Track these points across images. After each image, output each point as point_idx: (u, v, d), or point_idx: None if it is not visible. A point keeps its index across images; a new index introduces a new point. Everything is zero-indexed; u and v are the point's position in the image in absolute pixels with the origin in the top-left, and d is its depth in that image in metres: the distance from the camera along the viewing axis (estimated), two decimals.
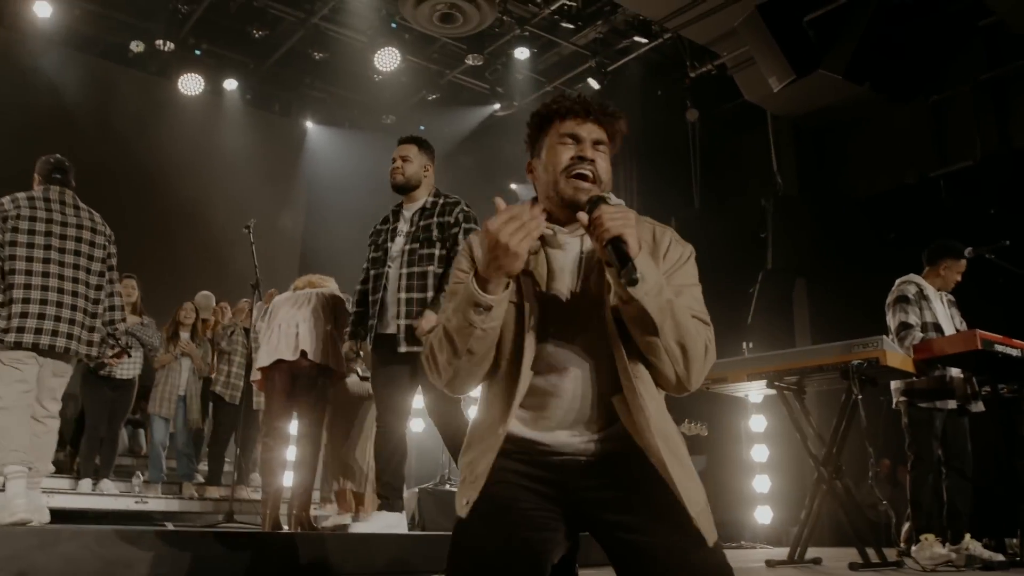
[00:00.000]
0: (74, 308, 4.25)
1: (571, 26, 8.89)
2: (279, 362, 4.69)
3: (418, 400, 4.13)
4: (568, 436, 1.78)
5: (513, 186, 11.65)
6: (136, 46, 9.46)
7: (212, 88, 10.09)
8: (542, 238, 1.80)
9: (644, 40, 8.97)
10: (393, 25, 9.13)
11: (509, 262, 1.63)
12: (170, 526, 4.03)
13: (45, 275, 4.19)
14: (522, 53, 9.28)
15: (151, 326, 6.73)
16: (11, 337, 4.05)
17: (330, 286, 5.16)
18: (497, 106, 10.28)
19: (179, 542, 3.03)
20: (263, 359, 4.79)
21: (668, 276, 1.79)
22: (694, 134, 9.74)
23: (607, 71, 9.51)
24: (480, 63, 9.44)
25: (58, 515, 5.61)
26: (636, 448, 1.73)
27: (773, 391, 4.56)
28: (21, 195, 4.28)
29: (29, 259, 4.17)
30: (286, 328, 4.79)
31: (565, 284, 1.80)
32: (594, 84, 9.54)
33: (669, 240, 1.87)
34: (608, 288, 1.73)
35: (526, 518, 1.72)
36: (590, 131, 1.84)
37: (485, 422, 1.84)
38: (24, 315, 4.09)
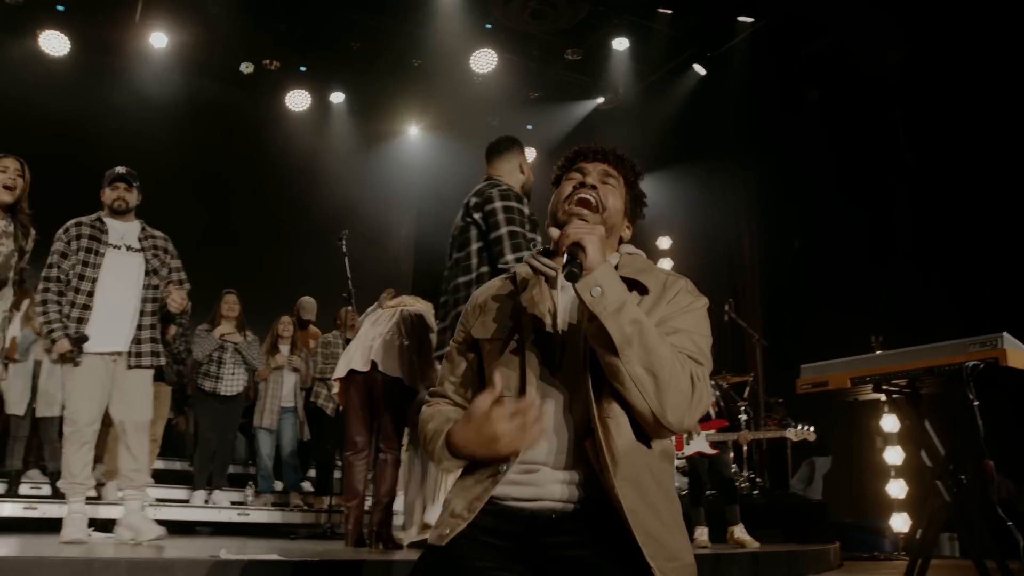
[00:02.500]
0: None
1: (668, 11, 8.49)
2: (353, 374, 4.66)
3: None
4: (544, 481, 1.66)
5: None
6: (245, 67, 9.78)
7: (319, 102, 10.34)
8: (544, 277, 1.81)
9: (749, 19, 8.48)
10: (488, 26, 9.00)
11: (497, 453, 1.62)
12: (223, 552, 3.95)
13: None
14: (621, 44, 8.97)
15: (255, 344, 6.87)
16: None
17: (419, 307, 5.06)
18: (601, 99, 9.99)
19: (215, 570, 2.97)
20: (338, 370, 4.80)
21: (667, 318, 1.72)
22: (815, 113, 9.13)
23: (712, 55, 9.07)
24: (579, 57, 9.18)
25: (171, 527, 5.81)
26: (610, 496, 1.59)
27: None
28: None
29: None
30: (364, 341, 4.76)
31: (560, 324, 1.74)
32: (700, 70, 9.13)
33: (679, 289, 1.80)
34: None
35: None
36: (596, 167, 1.90)
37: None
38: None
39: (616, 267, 1.79)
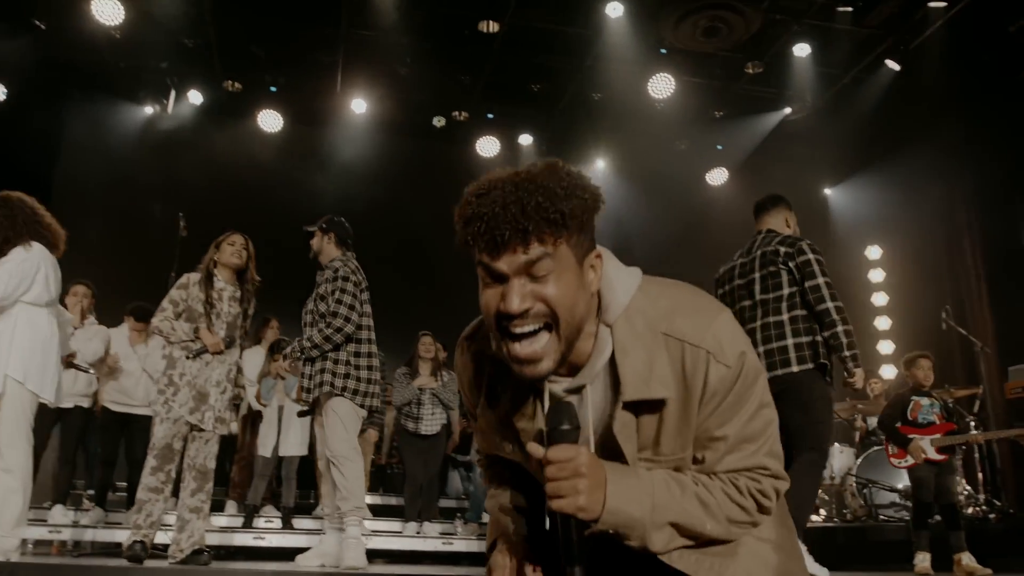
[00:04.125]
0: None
1: (849, 9, 8.09)
2: None
3: None
4: None
5: (827, 191, 10.86)
6: (438, 121, 10.40)
7: (508, 146, 10.74)
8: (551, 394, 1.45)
9: (942, 4, 7.90)
10: (663, 51, 9.00)
11: None
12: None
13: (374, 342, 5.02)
14: (802, 50, 8.65)
15: (451, 385, 7.19)
16: (363, 400, 4.84)
17: None
18: (788, 110, 9.66)
19: None
20: None
21: (706, 429, 1.41)
22: None
23: (908, 48, 8.53)
24: (761, 69, 8.95)
25: (383, 555, 6.21)
26: None
27: None
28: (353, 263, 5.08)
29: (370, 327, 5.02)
30: None
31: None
32: (893, 65, 8.61)
33: (706, 367, 1.37)
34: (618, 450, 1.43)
35: None
36: (513, 261, 1.30)
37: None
38: (370, 381, 4.88)
39: (613, 358, 1.41)
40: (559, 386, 1.44)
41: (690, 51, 8.92)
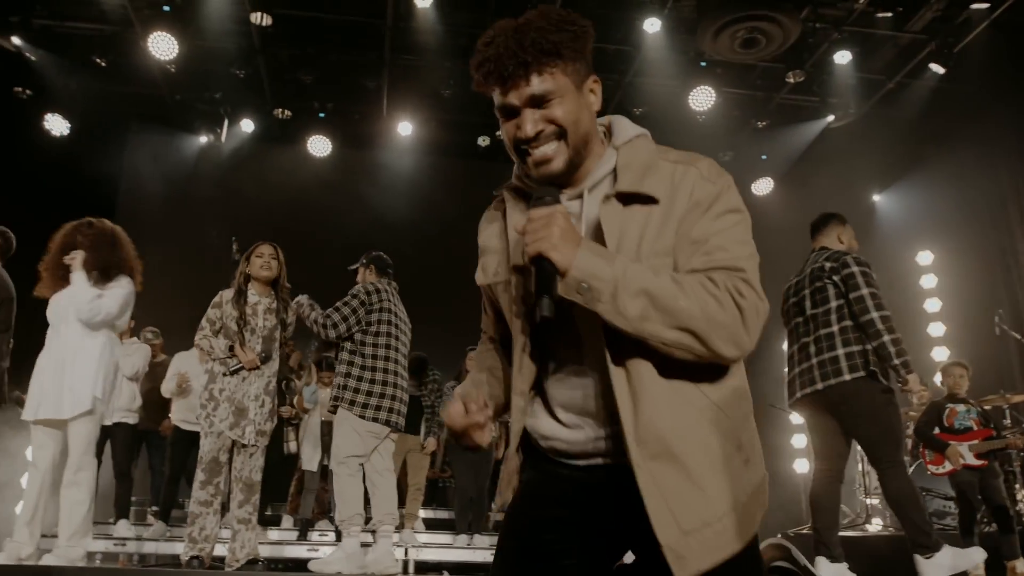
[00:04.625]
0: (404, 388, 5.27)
1: (889, 15, 8.05)
2: None
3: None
4: (584, 438, 1.60)
5: (875, 197, 10.75)
6: (483, 140, 10.57)
7: None
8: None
9: (984, 5, 7.82)
10: (703, 64, 9.05)
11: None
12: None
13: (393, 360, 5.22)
14: (843, 57, 8.60)
15: None
16: (370, 413, 5.02)
17: None
18: (831, 117, 9.60)
19: None
20: None
21: (686, 230, 1.52)
22: None
23: (952, 51, 8.43)
24: (802, 78, 8.92)
25: (434, 568, 6.32)
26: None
27: None
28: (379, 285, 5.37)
29: (387, 345, 5.22)
30: None
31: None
32: (938, 69, 8.52)
33: (692, 182, 1.54)
34: None
35: (543, 554, 1.60)
36: (520, 94, 1.53)
37: (512, 407, 1.71)
38: (382, 396, 5.07)
39: (615, 171, 1.60)
40: (564, 197, 1.62)
41: (730, 62, 8.94)
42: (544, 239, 1.46)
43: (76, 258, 4.67)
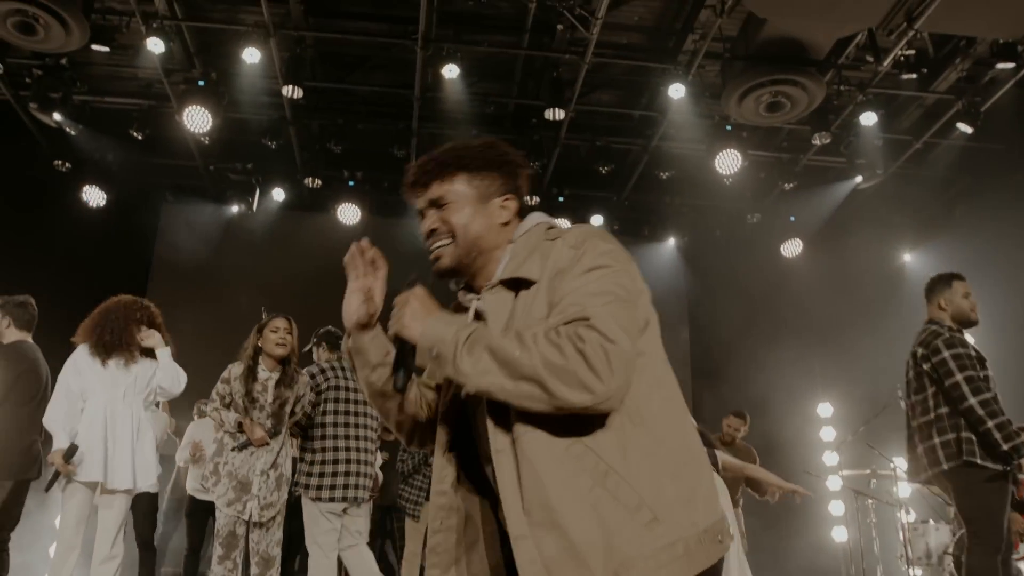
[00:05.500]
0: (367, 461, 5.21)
1: (914, 76, 8.07)
2: None
3: None
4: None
5: (906, 256, 10.64)
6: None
7: (582, 223, 10.85)
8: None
9: (1010, 65, 7.82)
10: (728, 128, 9.10)
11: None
12: None
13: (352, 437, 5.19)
14: (869, 119, 8.60)
15: None
16: (326, 494, 5.01)
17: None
18: (859, 178, 9.56)
19: None
20: None
21: (557, 297, 1.61)
22: None
23: (980, 110, 8.42)
24: (828, 140, 8.93)
25: None
26: None
27: None
28: (330, 362, 5.34)
29: (343, 424, 5.19)
30: None
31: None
32: (966, 128, 8.49)
33: (557, 252, 1.66)
34: None
35: None
36: (424, 197, 1.83)
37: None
38: (335, 474, 5.03)
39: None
40: (470, 297, 1.83)
41: (756, 126, 8.99)
42: (396, 319, 1.69)
43: (155, 336, 4.74)
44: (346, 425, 5.19)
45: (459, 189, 1.79)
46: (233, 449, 4.82)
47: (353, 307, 1.87)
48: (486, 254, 1.80)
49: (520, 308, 1.66)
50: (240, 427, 4.84)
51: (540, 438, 1.54)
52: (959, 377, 4.29)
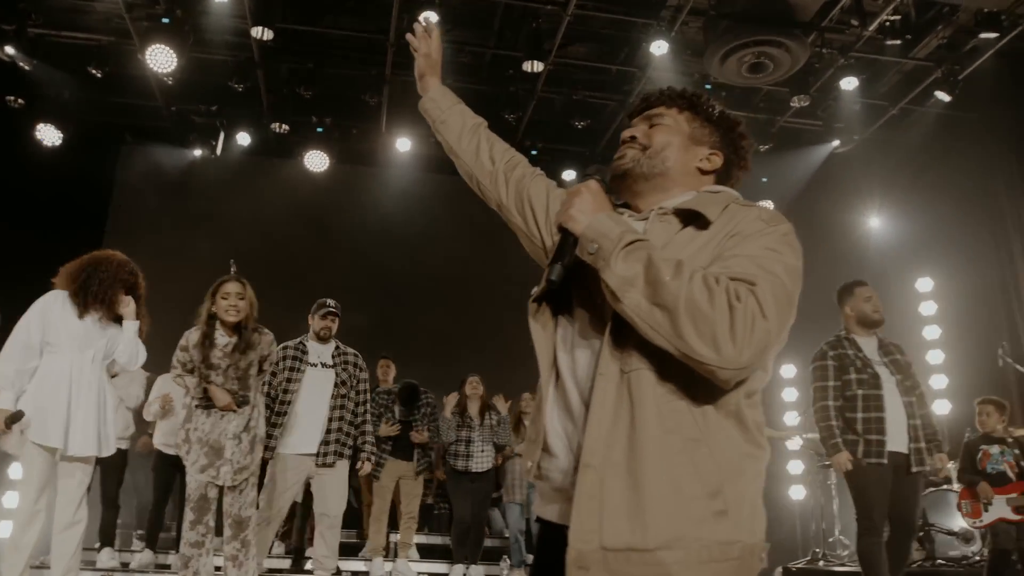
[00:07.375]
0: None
1: (898, 42, 8.00)
2: None
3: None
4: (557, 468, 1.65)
5: (875, 222, 10.69)
6: None
7: (554, 180, 10.72)
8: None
9: (993, 35, 7.78)
10: (708, 86, 8.97)
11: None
12: None
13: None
14: (849, 83, 8.53)
15: (500, 428, 7.14)
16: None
17: None
18: (836, 142, 9.53)
19: None
20: None
21: (727, 248, 1.53)
22: None
23: (957, 79, 8.39)
24: (807, 103, 8.86)
25: None
26: None
27: None
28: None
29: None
30: None
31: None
32: (943, 96, 8.47)
33: (745, 217, 1.59)
34: None
35: None
36: (640, 118, 1.84)
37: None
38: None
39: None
40: (634, 218, 1.75)
41: (733, 85, 8.87)
42: (563, 209, 1.61)
43: (131, 306, 4.41)
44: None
45: (679, 119, 1.80)
46: (197, 407, 4.65)
47: (421, 67, 2.23)
48: (665, 181, 1.77)
49: (682, 242, 1.59)
50: (206, 393, 4.64)
51: (649, 380, 1.47)
52: (812, 386, 4.99)
